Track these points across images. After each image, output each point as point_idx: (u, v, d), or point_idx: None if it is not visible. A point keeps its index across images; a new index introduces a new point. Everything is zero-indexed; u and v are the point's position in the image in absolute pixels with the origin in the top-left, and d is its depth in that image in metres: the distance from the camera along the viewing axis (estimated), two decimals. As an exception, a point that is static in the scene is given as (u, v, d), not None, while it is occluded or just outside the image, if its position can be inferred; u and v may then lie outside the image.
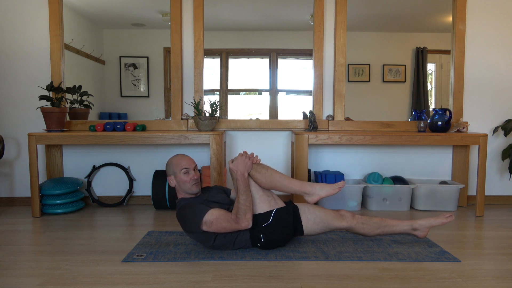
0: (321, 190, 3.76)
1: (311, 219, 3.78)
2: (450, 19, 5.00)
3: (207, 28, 4.87)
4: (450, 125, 4.72)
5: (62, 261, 3.55)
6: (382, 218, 3.87)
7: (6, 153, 4.79)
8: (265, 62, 5.16)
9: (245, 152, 3.78)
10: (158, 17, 4.95)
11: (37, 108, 4.59)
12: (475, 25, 4.93)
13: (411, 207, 4.87)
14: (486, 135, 4.55)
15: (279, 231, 3.71)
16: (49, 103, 4.55)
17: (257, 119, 5.03)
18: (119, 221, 4.62)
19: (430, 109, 5.06)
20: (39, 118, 4.70)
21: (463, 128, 4.77)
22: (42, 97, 4.47)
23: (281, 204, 3.79)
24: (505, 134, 4.83)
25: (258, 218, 3.67)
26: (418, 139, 4.58)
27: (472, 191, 4.99)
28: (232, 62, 5.12)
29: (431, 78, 5.24)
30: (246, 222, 3.54)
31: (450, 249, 3.75)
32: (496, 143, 4.99)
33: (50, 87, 4.54)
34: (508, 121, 4.84)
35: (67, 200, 4.75)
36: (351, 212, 3.90)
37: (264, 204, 3.70)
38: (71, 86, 4.69)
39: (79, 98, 4.77)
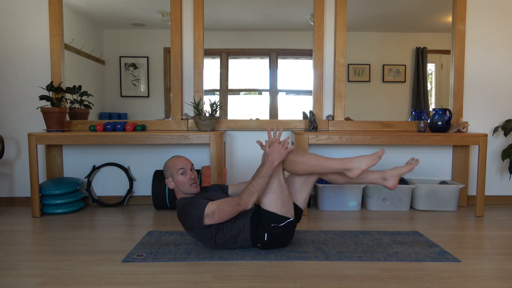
0: (361, 162, 3.70)
1: (296, 192, 3.80)
2: (450, 19, 5.02)
3: (207, 28, 4.89)
4: (450, 125, 4.74)
5: (62, 261, 3.54)
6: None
7: (6, 153, 4.80)
8: (265, 62, 5.21)
9: (283, 140, 3.72)
10: (158, 17, 4.97)
11: (37, 108, 4.61)
12: (475, 25, 4.95)
13: (411, 207, 4.90)
14: (486, 135, 4.57)
15: (285, 235, 3.73)
16: (49, 103, 4.56)
17: (257, 119, 5.05)
18: (119, 221, 4.63)
19: (430, 109, 5.08)
20: (39, 118, 4.71)
21: (463, 128, 4.79)
22: (42, 97, 4.48)
23: (293, 213, 3.75)
24: (505, 134, 4.85)
25: (268, 216, 3.63)
26: (418, 139, 4.59)
27: (472, 191, 5.00)
28: (232, 62, 5.16)
29: (431, 78, 5.28)
30: (245, 201, 3.51)
31: (450, 249, 3.75)
32: (496, 143, 5.02)
33: (50, 87, 4.56)
34: (508, 121, 4.86)
35: (67, 200, 4.76)
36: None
37: (279, 202, 3.64)
38: (71, 86, 4.71)
39: (79, 98, 4.78)
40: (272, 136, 3.90)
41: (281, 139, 3.94)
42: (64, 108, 4.59)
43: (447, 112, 4.74)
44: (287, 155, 3.69)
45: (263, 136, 5.06)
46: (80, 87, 4.73)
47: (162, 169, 4.88)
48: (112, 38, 5.18)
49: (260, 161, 4.08)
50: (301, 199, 3.88)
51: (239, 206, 3.53)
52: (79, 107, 4.86)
